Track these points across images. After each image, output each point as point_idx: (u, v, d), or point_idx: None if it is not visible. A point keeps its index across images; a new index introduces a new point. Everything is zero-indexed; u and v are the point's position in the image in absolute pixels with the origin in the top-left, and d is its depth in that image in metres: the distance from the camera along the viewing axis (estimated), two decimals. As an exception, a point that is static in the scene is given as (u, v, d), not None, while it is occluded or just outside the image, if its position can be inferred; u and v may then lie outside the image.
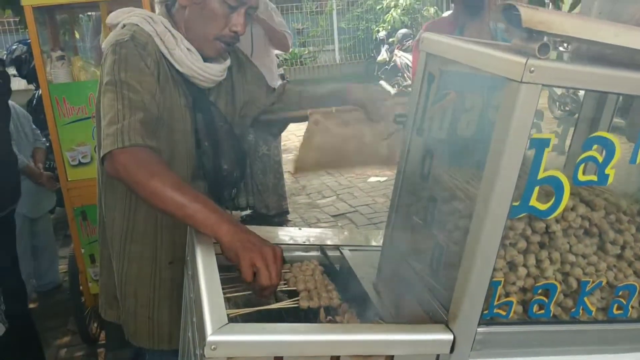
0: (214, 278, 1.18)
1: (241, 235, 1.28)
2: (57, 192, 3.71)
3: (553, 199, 1.04)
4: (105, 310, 1.87)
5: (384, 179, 6.30)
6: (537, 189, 1.02)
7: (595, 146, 1.03)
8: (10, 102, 3.26)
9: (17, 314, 2.86)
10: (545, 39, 0.95)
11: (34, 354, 3.00)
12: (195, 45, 1.61)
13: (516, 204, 1.03)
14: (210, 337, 0.98)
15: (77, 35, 4.05)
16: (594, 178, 1.05)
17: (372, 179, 6.42)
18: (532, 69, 0.92)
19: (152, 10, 2.19)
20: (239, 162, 1.85)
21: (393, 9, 12.55)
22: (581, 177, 1.05)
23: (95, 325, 3.52)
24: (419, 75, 1.30)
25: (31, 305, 3.78)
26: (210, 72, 1.64)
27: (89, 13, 4.37)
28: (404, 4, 12.47)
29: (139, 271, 1.71)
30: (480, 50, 1.07)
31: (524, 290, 1.14)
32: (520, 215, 1.07)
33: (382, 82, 10.58)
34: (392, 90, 9.43)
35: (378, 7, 13.08)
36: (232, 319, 1.06)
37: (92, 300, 3.23)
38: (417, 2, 12.59)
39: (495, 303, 1.10)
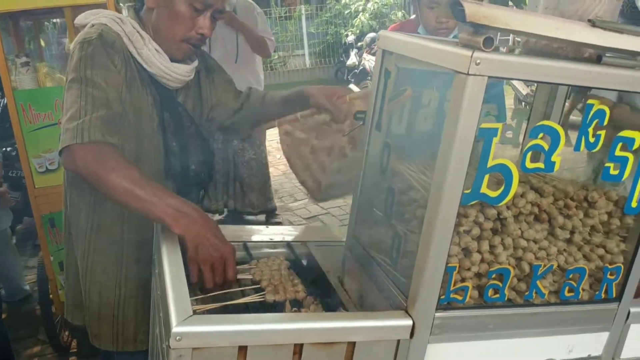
0: (179, 273, 1.20)
1: (194, 229, 1.32)
2: (21, 204, 3.64)
3: (503, 187, 1.09)
4: (72, 314, 1.87)
5: (356, 180, 6.33)
6: (487, 177, 1.07)
7: (541, 135, 1.09)
8: None
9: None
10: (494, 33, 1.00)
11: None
12: (162, 47, 1.64)
13: (467, 191, 1.07)
14: (175, 329, 1.00)
15: (42, 42, 4.02)
16: (541, 165, 1.11)
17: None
18: (478, 61, 0.97)
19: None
20: (206, 163, 1.87)
21: (361, 13, 12.69)
22: (529, 165, 1.10)
23: (67, 333, 3.48)
24: (376, 72, 1.35)
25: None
26: (177, 72, 1.66)
27: (54, 20, 4.33)
28: (372, 8, 12.62)
29: (104, 269, 1.71)
30: (430, 45, 1.12)
31: (479, 275, 1.19)
32: (472, 203, 1.11)
33: (352, 86, 10.64)
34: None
35: (346, 12, 13.19)
36: (198, 314, 1.09)
37: (62, 309, 3.19)
38: (385, 7, 12.74)
39: (452, 288, 1.15)
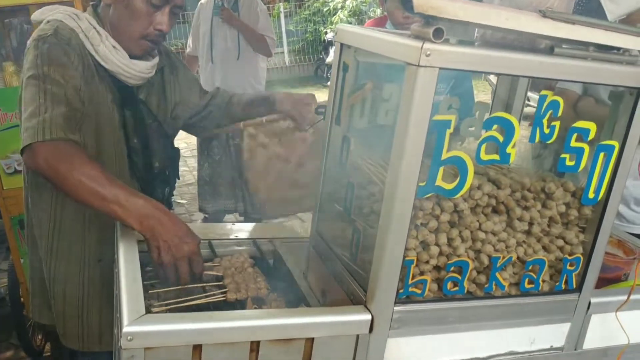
0: (134, 271, 1.18)
1: (158, 233, 1.31)
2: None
3: (458, 179, 1.09)
4: (39, 313, 1.84)
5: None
6: (442, 169, 1.07)
7: (495, 126, 1.09)
8: None
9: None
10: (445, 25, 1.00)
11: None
12: (121, 44, 1.61)
13: (423, 184, 1.07)
14: (126, 328, 0.98)
15: (9, 41, 3.94)
16: (496, 157, 1.10)
17: (323, 179, 6.44)
18: (428, 52, 0.97)
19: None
20: (170, 160, 1.86)
21: (340, 10, 12.68)
22: (484, 157, 1.10)
23: (40, 337, 3.43)
24: (335, 66, 1.34)
25: (-29, 321, 3.65)
26: (136, 69, 1.63)
27: (21, 18, 4.25)
28: (351, 5, 12.62)
29: (67, 270, 1.68)
30: (383, 37, 1.11)
31: (437, 268, 1.19)
32: (429, 195, 1.11)
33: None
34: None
35: (325, 9, 13.18)
36: (154, 313, 1.07)
37: (34, 311, 3.14)
38: (364, 4, 12.74)
39: (410, 282, 1.14)
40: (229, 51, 4.14)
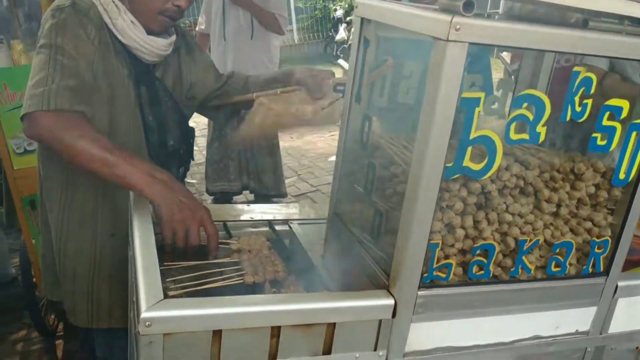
0: (150, 255, 1.15)
1: (167, 194, 1.30)
2: (3, 186, 3.55)
3: (486, 159, 1.05)
4: (50, 290, 1.83)
5: (345, 157, 6.29)
6: (469, 149, 1.02)
7: (525, 104, 1.04)
8: None
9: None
10: None
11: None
12: (139, 20, 1.58)
13: (450, 165, 1.03)
14: (144, 314, 0.95)
15: (17, 20, 3.90)
16: (526, 136, 1.06)
17: (332, 158, 6.42)
18: (458, 26, 0.91)
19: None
20: (185, 139, 1.83)
21: (349, -14, 12.51)
22: (513, 136, 1.05)
23: (53, 316, 3.44)
24: (355, 41, 1.29)
25: (-15, 301, 3.67)
26: (153, 46, 1.60)
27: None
28: (360, -19, 12.41)
29: (78, 244, 1.67)
30: (408, 11, 1.06)
31: (463, 251, 1.15)
32: (455, 177, 1.06)
33: (341, 61, 10.55)
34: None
35: (334, -14, 13.01)
36: (171, 298, 1.04)
37: (46, 291, 3.15)
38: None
39: (435, 266, 1.11)
40: (242, 30, 4.06)
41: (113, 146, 1.36)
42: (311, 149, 6.88)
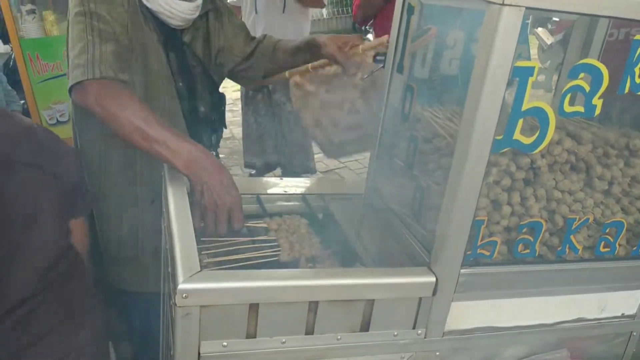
0: (187, 226, 1.13)
1: (204, 177, 1.26)
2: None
3: (538, 132, 0.99)
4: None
5: (373, 134, 6.23)
6: (520, 121, 0.97)
7: (582, 74, 0.98)
8: None
9: None
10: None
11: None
12: None
13: (499, 137, 0.98)
14: (182, 285, 0.93)
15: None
16: (581, 109, 1.00)
17: (362, 135, 6.35)
18: (515, -11, 0.86)
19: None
20: (216, 106, 1.80)
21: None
22: (567, 108, 0.99)
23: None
24: (398, 8, 1.23)
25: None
26: (178, 9, 1.56)
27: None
28: (391, -46, 12.16)
29: (119, 212, 1.67)
30: (460, -26, 1.00)
31: (508, 229, 1.11)
32: (504, 150, 1.01)
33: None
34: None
35: (365, -42, 12.75)
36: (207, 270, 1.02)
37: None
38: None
39: (479, 243, 1.07)
40: (273, 3, 4.00)
41: (155, 119, 1.33)
42: (339, 125, 6.81)
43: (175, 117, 1.64)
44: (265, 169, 4.35)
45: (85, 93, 1.37)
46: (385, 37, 1.68)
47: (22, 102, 3.83)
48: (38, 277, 1.22)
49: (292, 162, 4.40)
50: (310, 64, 1.70)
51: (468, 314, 1.13)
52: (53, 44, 2.85)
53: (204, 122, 1.73)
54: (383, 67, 1.33)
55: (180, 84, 1.63)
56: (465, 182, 0.98)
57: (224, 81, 1.91)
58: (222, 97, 1.83)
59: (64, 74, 2.88)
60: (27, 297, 1.21)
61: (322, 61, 1.68)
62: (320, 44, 1.68)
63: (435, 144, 1.13)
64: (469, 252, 1.06)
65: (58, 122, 2.94)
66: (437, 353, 1.15)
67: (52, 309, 1.26)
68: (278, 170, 4.68)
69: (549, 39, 7.75)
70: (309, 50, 1.73)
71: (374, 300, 1.04)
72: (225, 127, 1.89)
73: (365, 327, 1.07)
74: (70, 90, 1.40)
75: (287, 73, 1.70)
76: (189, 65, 1.65)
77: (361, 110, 1.67)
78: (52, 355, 1.26)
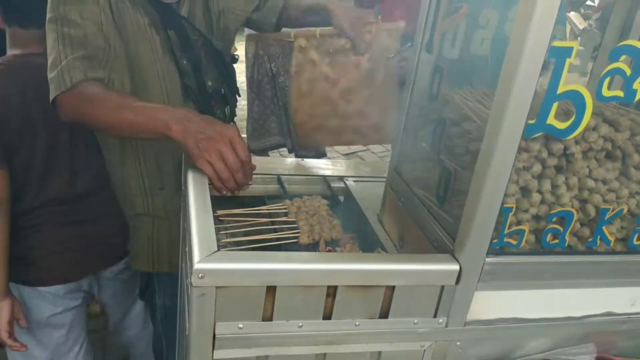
0: (205, 206, 1.11)
1: (193, 130, 1.19)
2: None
3: (573, 117, 0.94)
4: None
5: (398, 117, 6.16)
6: (555, 105, 0.92)
7: (623, 57, 0.92)
8: None
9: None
10: None
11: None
12: None
13: (532, 121, 0.93)
14: (198, 265, 0.91)
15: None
16: (620, 94, 0.95)
17: (385, 118, 6.29)
18: (556, -37, 0.80)
19: None
20: (224, 78, 1.75)
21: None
22: (606, 93, 0.94)
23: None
24: (429, -15, 1.18)
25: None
26: None
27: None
28: None
29: (132, 200, 1.68)
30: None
31: (537, 218, 1.06)
32: (536, 135, 0.97)
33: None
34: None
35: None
36: (224, 250, 1.00)
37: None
38: None
39: (506, 231, 1.02)
40: None
41: (129, 102, 1.31)
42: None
43: (177, 98, 1.60)
44: (266, 151, 4.28)
45: (62, 109, 1.37)
46: (401, 23, 1.62)
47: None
48: None
49: (300, 146, 4.29)
50: (318, 29, 1.61)
51: (492, 304, 1.10)
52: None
53: (214, 96, 1.69)
54: (410, 45, 1.28)
55: (184, 61, 1.58)
56: (495, 167, 0.94)
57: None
58: (229, 67, 1.77)
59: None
60: None
61: (331, 30, 1.61)
62: (333, 12, 1.60)
63: (464, 127, 1.08)
64: (495, 241, 1.02)
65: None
66: (458, 343, 1.12)
67: None
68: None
69: (581, 24, 7.57)
70: (320, 14, 1.65)
71: (394, 286, 1.01)
72: (239, 96, 1.84)
73: (384, 313, 1.04)
74: (54, 107, 1.39)
75: (292, 33, 1.62)
76: (190, 39, 1.59)
77: (355, 96, 1.60)
78: None
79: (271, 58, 1.68)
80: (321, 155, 4.50)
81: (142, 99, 1.50)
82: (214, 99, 1.68)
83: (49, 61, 1.37)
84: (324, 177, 1.61)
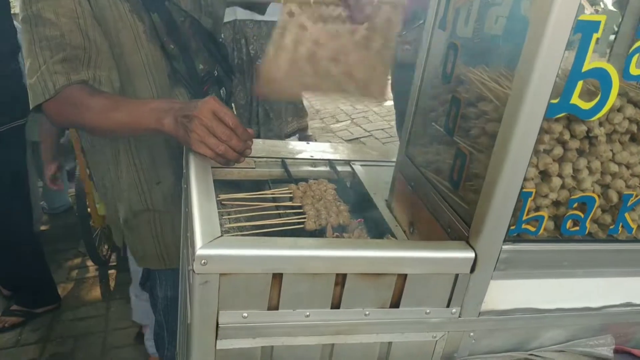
0: (207, 190, 1.06)
1: (179, 117, 1.17)
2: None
3: (598, 97, 0.89)
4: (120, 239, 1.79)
5: (401, 103, 6.11)
6: (580, 83, 0.87)
7: (653, 33, 0.87)
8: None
9: (22, 234, 2.82)
10: None
11: (40, 274, 2.98)
12: None
13: (554, 101, 0.87)
14: (200, 251, 0.86)
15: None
16: (649, 72, 0.89)
17: (389, 103, 6.22)
18: None
19: None
20: (215, 58, 1.67)
21: None
22: (634, 71, 0.89)
23: (106, 247, 3.50)
24: (444, -43, 1.12)
25: (42, 228, 3.76)
26: None
27: None
28: None
29: (129, 197, 1.60)
30: None
31: (556, 203, 1.01)
32: (559, 116, 0.91)
33: None
34: None
35: None
36: (228, 236, 0.95)
37: (101, 222, 3.18)
38: None
39: (524, 218, 0.97)
40: None
41: (115, 102, 1.29)
42: (366, 93, 6.67)
43: (171, 86, 1.53)
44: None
45: (49, 115, 1.34)
46: None
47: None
48: None
49: (275, 131, 4.14)
50: None
51: (507, 293, 1.05)
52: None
53: (207, 79, 1.61)
54: (422, 22, 1.22)
55: (172, 45, 1.50)
56: (514, 149, 0.88)
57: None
58: (220, 47, 1.69)
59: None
60: None
61: None
62: None
63: (480, 108, 1.03)
64: (512, 227, 0.97)
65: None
66: (472, 334, 1.07)
67: None
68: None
69: (587, 9, 7.45)
70: None
71: (406, 275, 0.96)
72: (235, 76, 1.77)
73: (395, 303, 0.99)
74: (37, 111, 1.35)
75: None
76: (176, 22, 1.51)
77: (344, 62, 1.47)
78: None
79: (248, 41, 1.59)
80: (302, 129, 4.24)
81: (128, 90, 1.46)
82: (207, 83, 1.61)
83: (27, 65, 1.31)
84: (330, 161, 1.56)
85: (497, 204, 0.93)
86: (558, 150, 0.96)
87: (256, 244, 0.91)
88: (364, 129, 5.62)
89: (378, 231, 1.27)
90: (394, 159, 1.35)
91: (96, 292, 3.25)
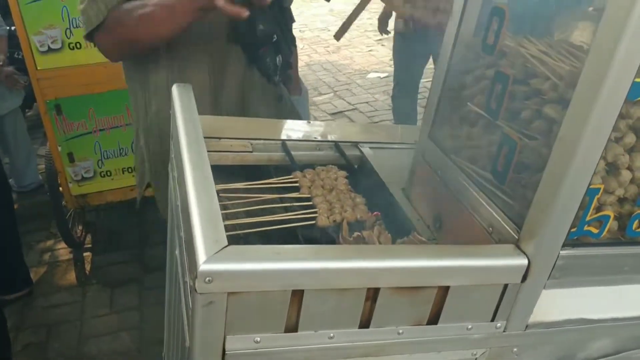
0: (206, 182, 0.88)
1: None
2: (30, 88, 3.30)
3: (689, 75, 0.73)
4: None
5: (384, 75, 5.92)
6: (673, 58, 0.70)
7: None
8: None
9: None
10: None
11: (13, 257, 2.77)
12: None
13: (639, 80, 0.71)
14: (204, 266, 0.69)
15: None
16: None
17: (372, 75, 6.04)
18: None
19: None
20: (277, 21, 1.52)
21: None
22: None
23: (80, 228, 3.28)
24: None
25: (11, 207, 3.51)
26: None
27: None
28: None
29: (164, 131, 1.47)
30: None
31: (621, 201, 0.86)
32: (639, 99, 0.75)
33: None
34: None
35: None
36: (232, 239, 0.77)
37: (75, 203, 2.96)
38: None
39: (588, 218, 0.82)
40: None
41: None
42: (348, 64, 6.47)
43: (221, 40, 1.44)
44: None
45: (99, 44, 1.35)
46: None
47: (11, 27, 3.50)
48: None
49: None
50: None
51: (558, 303, 0.90)
52: (42, -43, 2.52)
53: (264, 41, 1.46)
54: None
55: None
56: (587, 138, 0.72)
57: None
58: (285, 12, 1.57)
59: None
60: None
61: None
62: None
63: (534, 86, 0.86)
64: (573, 229, 0.82)
65: (50, 49, 2.62)
66: (515, 349, 0.92)
67: None
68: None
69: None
70: None
71: (448, 287, 0.81)
72: (294, 46, 1.61)
73: (433, 319, 0.84)
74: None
75: None
76: None
77: None
78: None
79: None
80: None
81: (181, 36, 1.38)
82: (264, 45, 1.47)
83: None
84: (336, 142, 1.38)
85: (560, 203, 0.77)
86: (630, 139, 0.81)
87: (271, 256, 0.73)
88: (348, 102, 5.42)
89: (399, 227, 1.10)
90: (407, 142, 1.19)
91: (71, 277, 3.05)
